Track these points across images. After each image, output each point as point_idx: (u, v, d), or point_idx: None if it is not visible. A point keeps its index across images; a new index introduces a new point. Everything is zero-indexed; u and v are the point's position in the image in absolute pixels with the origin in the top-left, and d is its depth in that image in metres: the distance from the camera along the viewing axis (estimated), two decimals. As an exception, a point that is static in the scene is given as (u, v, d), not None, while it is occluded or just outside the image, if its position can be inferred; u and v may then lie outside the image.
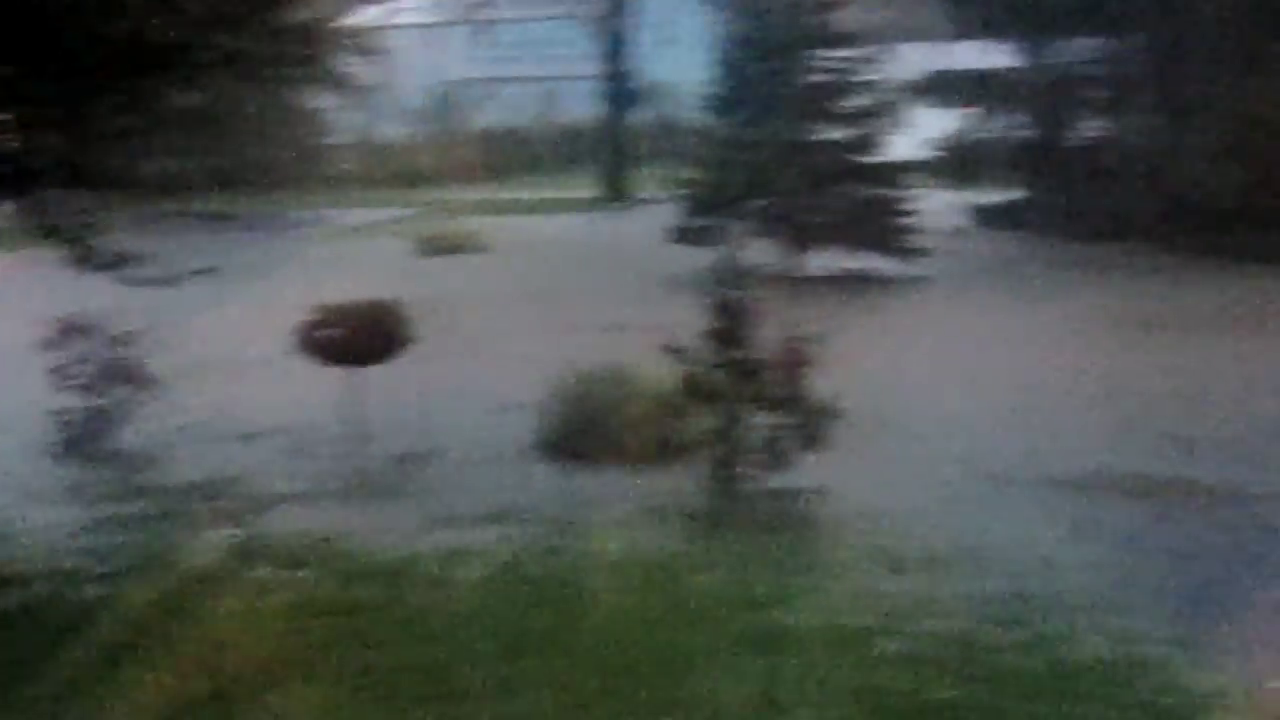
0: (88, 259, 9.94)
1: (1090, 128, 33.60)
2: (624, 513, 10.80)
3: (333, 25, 21.38)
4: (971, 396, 15.21)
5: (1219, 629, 8.20)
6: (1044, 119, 33.19)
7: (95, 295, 11.54)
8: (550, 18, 56.68)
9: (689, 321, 11.00)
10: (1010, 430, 13.74)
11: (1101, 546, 9.91)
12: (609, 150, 44.30)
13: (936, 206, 29.11)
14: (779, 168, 25.19)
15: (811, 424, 10.67)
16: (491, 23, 59.40)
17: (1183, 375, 16.25)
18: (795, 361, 10.73)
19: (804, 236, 24.89)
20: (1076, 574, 9.26)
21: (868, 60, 26.75)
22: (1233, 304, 21.72)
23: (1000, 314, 21.41)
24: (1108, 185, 29.97)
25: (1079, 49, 32.92)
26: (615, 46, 45.02)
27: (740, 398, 10.83)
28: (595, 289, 24.68)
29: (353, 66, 30.51)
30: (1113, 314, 20.90)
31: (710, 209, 25.45)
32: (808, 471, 10.76)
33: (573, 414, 12.78)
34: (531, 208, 40.27)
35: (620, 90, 45.12)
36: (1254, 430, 13.39)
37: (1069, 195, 31.13)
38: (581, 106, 49.76)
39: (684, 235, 25.30)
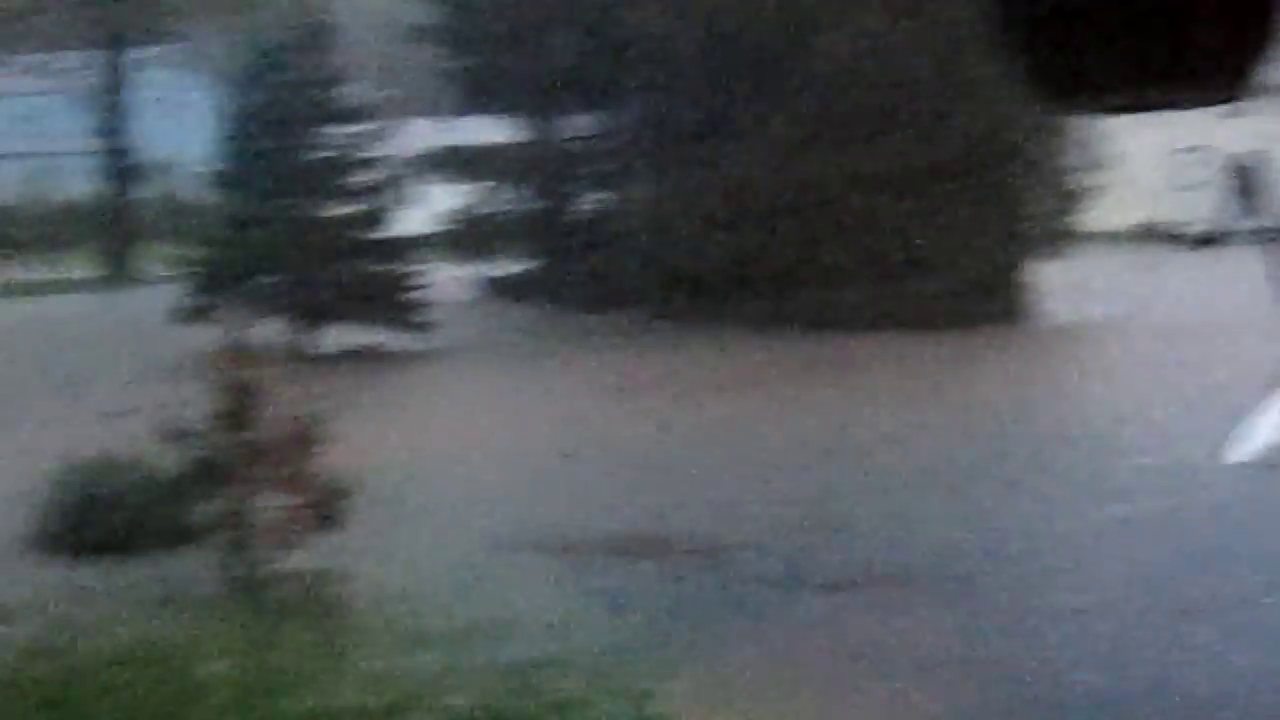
0: None
1: (592, 199, 34.73)
2: (132, 604, 10.43)
3: None
4: (482, 467, 15.43)
5: (718, 684, 8.59)
6: (549, 192, 34.09)
7: None
8: (44, 92, 54.38)
9: (196, 403, 10.75)
10: (518, 498, 14.01)
11: (609, 608, 10.21)
12: (111, 228, 42.84)
13: (446, 280, 29.43)
14: (286, 244, 24.97)
15: (324, 503, 10.59)
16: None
17: (677, 436, 16.94)
18: (305, 440, 10.64)
19: (313, 313, 24.71)
20: (587, 636, 9.51)
21: (375, 135, 26.90)
22: (727, 366, 22.82)
23: (508, 385, 21.84)
24: (609, 255, 31.00)
25: (581, 123, 34.01)
26: (115, 121, 43.66)
27: (250, 479, 10.64)
28: (98, 373, 23.76)
29: None
30: (613, 380, 21.61)
31: (216, 287, 24.93)
32: (323, 552, 10.66)
33: (74, 505, 12.27)
34: (28, 289, 38.47)
35: (121, 166, 43.75)
36: (744, 487, 14.10)
37: (573, 266, 32.01)
38: (80, 183, 47.92)
39: (190, 314, 24.66)
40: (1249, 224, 16.05)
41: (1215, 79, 1.63)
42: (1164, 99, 1.68)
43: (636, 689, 8.36)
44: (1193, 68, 1.61)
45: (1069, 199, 30.86)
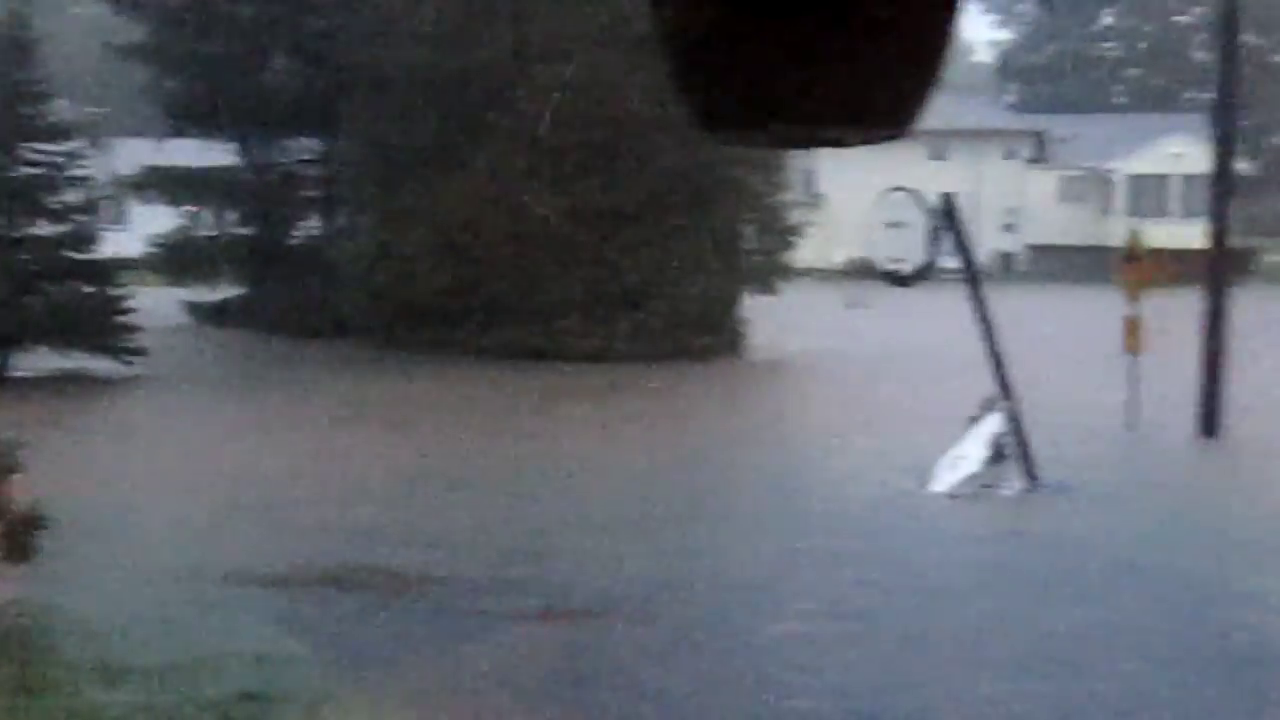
0: None
1: (308, 226, 34.30)
2: None
3: None
4: (187, 496, 15.03)
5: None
6: (263, 217, 33.54)
7: None
8: None
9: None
10: (225, 529, 13.67)
11: (313, 641, 10.03)
12: None
13: (155, 304, 28.65)
14: (-15, 264, 24.01)
15: (17, 533, 10.17)
16: None
17: (388, 465, 16.79)
18: (-2, 468, 10.22)
19: (11, 336, 23.79)
20: (293, 670, 9.32)
21: (82, 155, 26.05)
22: (443, 397, 22.72)
23: (215, 413, 21.35)
24: (324, 282, 30.64)
25: (300, 149, 33.58)
26: None
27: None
28: None
29: None
30: (323, 409, 21.32)
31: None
32: (16, 582, 10.24)
33: None
34: None
35: None
36: (453, 517, 14.04)
37: (288, 292, 31.56)
38: None
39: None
40: (951, 262, 16.64)
41: (881, 116, 1.67)
42: (831, 135, 1.72)
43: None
44: (859, 104, 1.65)
45: (782, 235, 31.61)
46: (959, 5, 1.68)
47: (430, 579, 11.66)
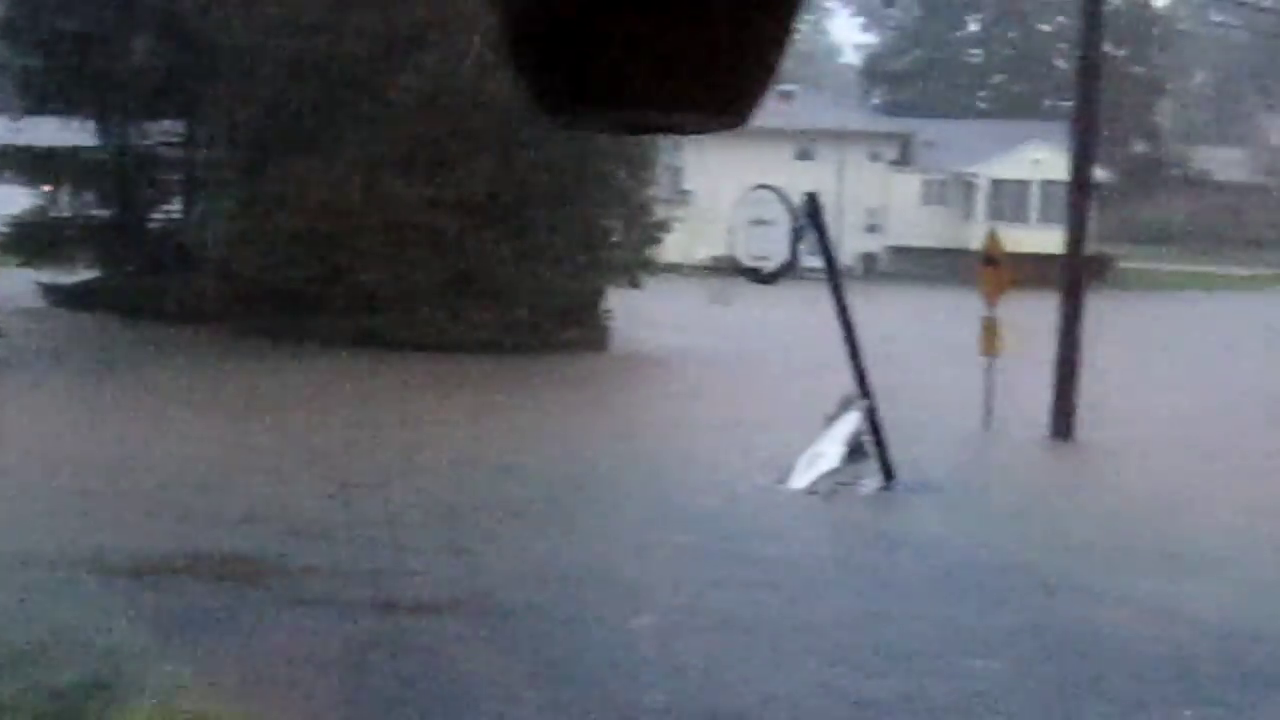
0: None
1: (171, 210, 33.74)
2: None
3: None
4: (31, 482, 14.69)
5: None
6: (124, 200, 32.92)
7: None
8: None
9: None
10: (80, 515, 13.39)
11: (163, 629, 9.86)
12: None
13: (9, 286, 28.06)
14: None
15: None
16: None
17: (248, 453, 16.58)
18: None
19: None
20: (140, 661, 9.15)
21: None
22: (302, 385, 22.47)
23: (65, 398, 20.91)
24: (187, 267, 30.15)
25: (162, 131, 32.99)
26: None
27: None
28: None
29: None
30: (175, 395, 20.98)
31: None
32: None
33: None
34: None
35: None
36: (311, 505, 13.88)
37: (148, 277, 31.03)
38: None
39: None
40: (814, 260, 16.77)
41: (720, 104, 1.66)
42: (669, 121, 1.70)
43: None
44: (698, 91, 1.63)
45: (648, 231, 31.69)
46: (802, -1, 1.67)
47: (284, 570, 11.51)
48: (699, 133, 1.77)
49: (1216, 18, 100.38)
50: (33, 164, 32.60)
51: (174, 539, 12.43)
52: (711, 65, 1.59)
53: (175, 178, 33.75)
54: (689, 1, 1.58)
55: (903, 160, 62.05)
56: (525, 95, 1.64)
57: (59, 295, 31.76)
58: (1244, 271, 62.40)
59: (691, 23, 1.57)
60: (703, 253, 38.15)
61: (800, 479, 15.44)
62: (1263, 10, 64.16)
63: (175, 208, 33.83)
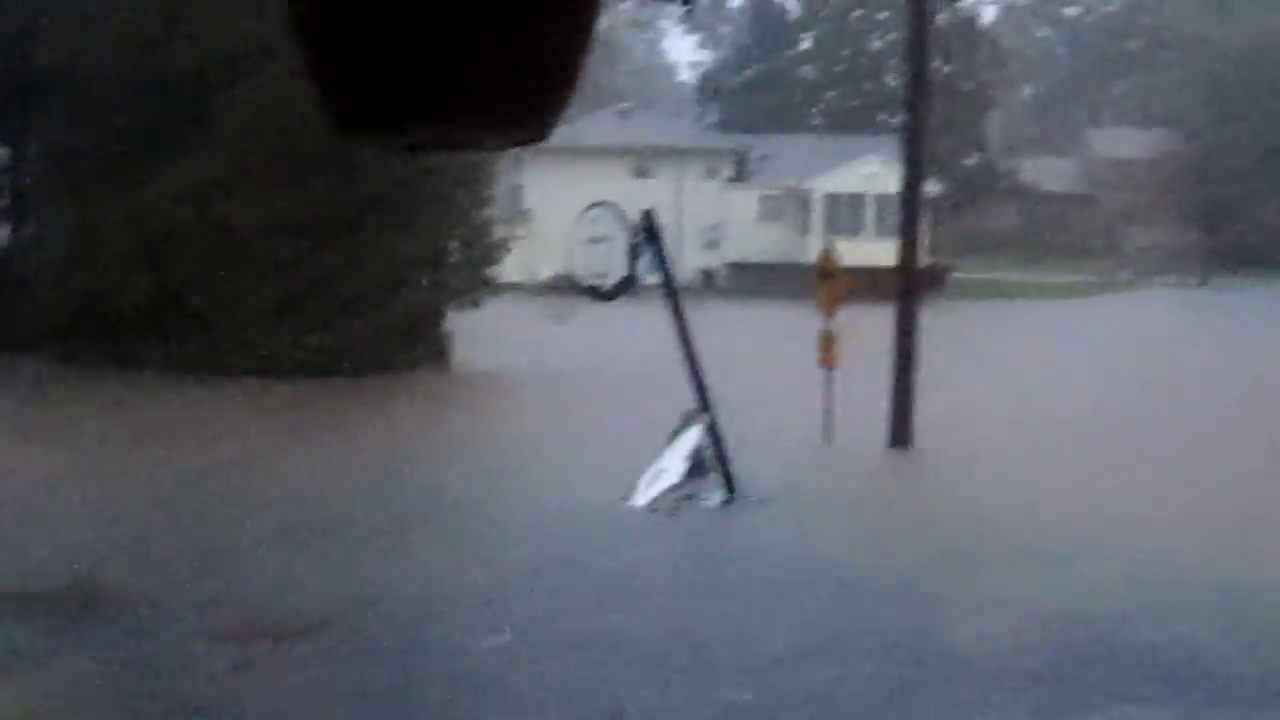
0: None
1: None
2: None
3: None
4: None
5: None
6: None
7: None
8: None
9: None
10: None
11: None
12: None
13: None
14: None
15: None
16: None
17: (56, 482, 16.18)
18: None
19: None
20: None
21: None
22: (134, 411, 22.03)
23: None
24: (15, 294, 29.44)
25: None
26: None
27: None
28: None
29: None
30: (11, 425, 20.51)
31: None
32: None
33: None
34: None
35: None
36: (137, 535, 13.62)
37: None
38: None
39: None
40: (653, 277, 16.82)
41: (518, 119, 1.65)
42: (466, 137, 1.69)
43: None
44: (495, 106, 1.63)
45: (487, 250, 31.58)
46: (596, 13, 1.67)
47: (123, 599, 11.27)
48: (500, 148, 1.77)
49: (1040, 33, 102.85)
50: None
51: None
52: (511, 82, 1.59)
53: (2, 203, 32.98)
54: (490, 21, 1.58)
55: (739, 176, 62.64)
56: (325, 114, 1.63)
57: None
58: (1072, 278, 63.99)
59: (491, 40, 1.57)
60: (542, 271, 38.16)
61: (643, 495, 15.47)
62: (1084, 26, 65.78)
63: (2, 233, 33.05)
